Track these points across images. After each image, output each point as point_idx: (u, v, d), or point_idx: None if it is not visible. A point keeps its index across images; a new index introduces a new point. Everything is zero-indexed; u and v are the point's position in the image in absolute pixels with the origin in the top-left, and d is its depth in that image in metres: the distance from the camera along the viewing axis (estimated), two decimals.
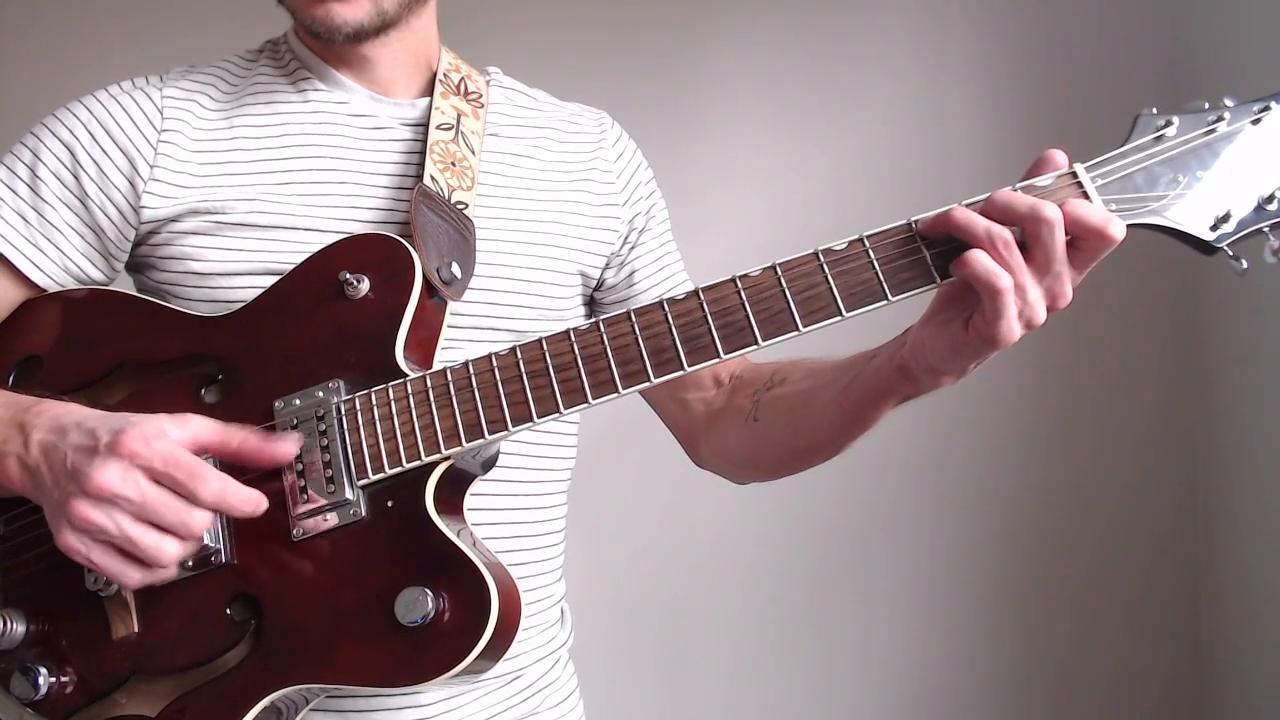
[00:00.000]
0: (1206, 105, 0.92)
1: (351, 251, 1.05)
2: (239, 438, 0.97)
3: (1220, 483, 2.46)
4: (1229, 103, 0.92)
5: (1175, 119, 0.92)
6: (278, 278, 1.07)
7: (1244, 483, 2.37)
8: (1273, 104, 0.90)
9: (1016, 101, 2.58)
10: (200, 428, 0.95)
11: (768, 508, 2.53)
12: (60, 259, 1.12)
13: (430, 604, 0.92)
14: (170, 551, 0.92)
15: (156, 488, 0.91)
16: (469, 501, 1.05)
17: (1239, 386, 2.38)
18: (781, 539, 2.64)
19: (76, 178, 1.11)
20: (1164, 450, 2.56)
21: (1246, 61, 2.24)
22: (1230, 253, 0.90)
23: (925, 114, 2.63)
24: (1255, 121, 0.90)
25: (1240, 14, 2.29)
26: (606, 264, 1.28)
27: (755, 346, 0.94)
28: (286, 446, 0.98)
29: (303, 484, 0.98)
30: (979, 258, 0.87)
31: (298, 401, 1.01)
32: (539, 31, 2.62)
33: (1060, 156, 0.92)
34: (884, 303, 0.92)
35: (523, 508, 1.19)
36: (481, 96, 1.24)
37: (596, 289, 1.29)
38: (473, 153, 1.18)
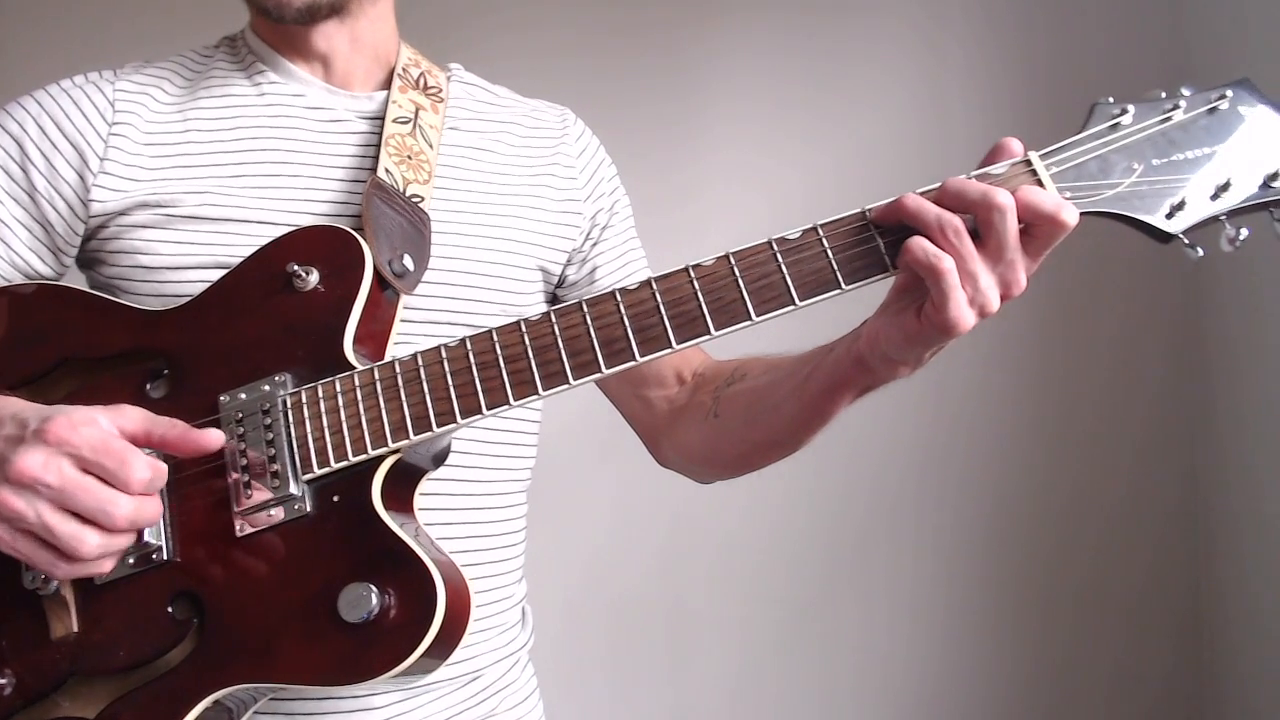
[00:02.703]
0: (1164, 94, 0.91)
1: (301, 244, 1.03)
2: (162, 427, 0.94)
3: (1220, 483, 2.45)
4: (1185, 92, 0.90)
5: (1131, 107, 0.90)
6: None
7: (1244, 483, 2.35)
8: (1228, 92, 0.89)
9: (1016, 101, 2.57)
10: (130, 417, 0.93)
11: (767, 508, 2.53)
12: (7, 254, 1.11)
13: (375, 600, 0.91)
14: (90, 542, 0.89)
15: (80, 474, 0.88)
16: (425, 501, 1.03)
17: (1239, 386, 2.36)
18: (781, 539, 2.63)
19: (25, 171, 1.10)
20: (1164, 450, 2.55)
21: (1245, 60, 2.22)
22: (1186, 240, 0.88)
23: (925, 114, 2.62)
24: (1211, 110, 0.89)
25: (1239, 14, 2.28)
26: (568, 260, 1.27)
27: (708, 336, 0.92)
28: (210, 438, 0.95)
29: (247, 479, 0.97)
30: (919, 243, 0.86)
31: (243, 395, 0.99)
32: (539, 33, 2.62)
33: (1016, 144, 0.91)
34: (838, 291, 0.90)
35: (480, 507, 1.17)
36: (441, 91, 1.22)
37: (559, 285, 1.28)
38: (430, 146, 1.17)
